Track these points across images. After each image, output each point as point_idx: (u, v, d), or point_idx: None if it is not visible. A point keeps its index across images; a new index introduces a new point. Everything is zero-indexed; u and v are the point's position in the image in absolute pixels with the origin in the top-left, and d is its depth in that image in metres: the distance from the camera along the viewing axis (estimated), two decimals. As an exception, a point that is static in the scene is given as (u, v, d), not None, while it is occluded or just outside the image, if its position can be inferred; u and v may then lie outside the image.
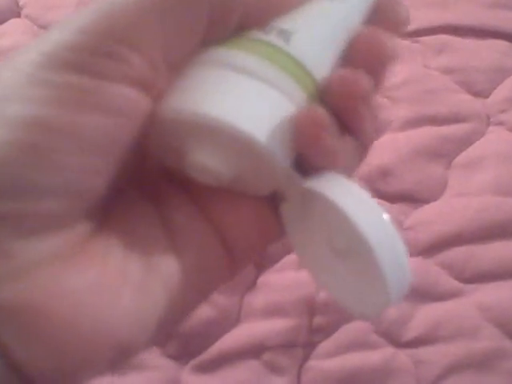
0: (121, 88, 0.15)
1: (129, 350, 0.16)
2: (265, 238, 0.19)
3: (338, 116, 0.17)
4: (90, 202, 0.16)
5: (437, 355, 0.36)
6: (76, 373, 0.16)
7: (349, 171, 0.18)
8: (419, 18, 0.51)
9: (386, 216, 0.16)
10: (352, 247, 0.17)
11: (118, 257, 0.16)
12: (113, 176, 0.16)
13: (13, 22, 0.52)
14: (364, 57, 0.17)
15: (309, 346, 0.36)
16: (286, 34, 0.17)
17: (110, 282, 0.16)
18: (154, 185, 0.19)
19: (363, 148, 0.18)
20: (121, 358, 0.16)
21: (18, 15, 0.53)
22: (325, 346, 0.36)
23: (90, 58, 0.14)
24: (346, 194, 0.16)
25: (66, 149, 0.14)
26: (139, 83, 0.15)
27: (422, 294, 0.37)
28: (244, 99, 0.16)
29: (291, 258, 0.39)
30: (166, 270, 0.17)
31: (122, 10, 0.15)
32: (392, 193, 0.42)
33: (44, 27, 0.52)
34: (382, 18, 0.19)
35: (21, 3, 0.53)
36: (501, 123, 0.45)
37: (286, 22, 0.17)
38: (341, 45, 0.18)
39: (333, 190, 0.16)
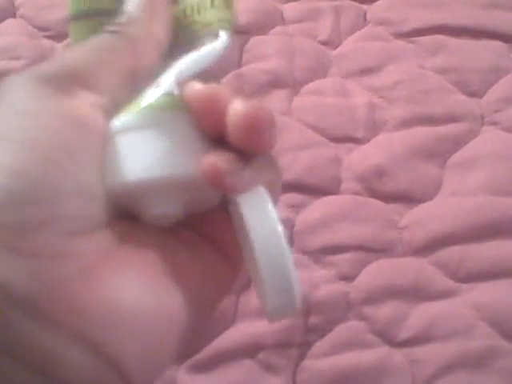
0: (78, 106, 0.18)
1: (188, 336, 0.18)
2: None
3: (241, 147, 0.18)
4: (105, 205, 0.18)
5: (432, 354, 0.36)
6: (157, 361, 0.17)
7: (270, 184, 0.19)
8: (414, 18, 0.51)
9: (281, 237, 0.17)
10: (254, 255, 0.18)
11: (153, 254, 0.18)
12: None
13: (8, 22, 0.52)
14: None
15: (304, 346, 0.36)
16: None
17: (156, 276, 0.18)
18: None
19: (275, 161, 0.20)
20: (183, 343, 0.18)
21: (14, 15, 0.53)
22: (320, 345, 0.36)
23: (51, 86, 0.18)
24: (253, 208, 0.18)
25: (65, 154, 0.17)
26: (94, 107, 0.19)
27: (416, 294, 0.38)
28: (160, 151, 0.18)
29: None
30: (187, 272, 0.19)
31: (83, 63, 0.19)
32: (387, 192, 0.42)
33: (39, 27, 0.52)
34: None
35: (16, 3, 0.53)
36: (495, 123, 0.45)
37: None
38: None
39: (244, 202, 0.18)
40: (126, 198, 0.18)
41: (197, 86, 0.18)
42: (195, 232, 0.20)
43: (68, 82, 0.18)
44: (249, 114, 0.17)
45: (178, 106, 0.19)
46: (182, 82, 0.19)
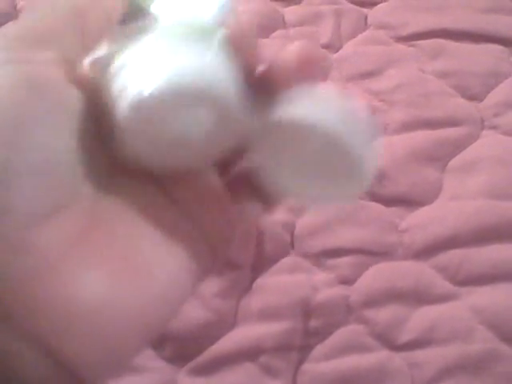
0: (33, 67, 0.17)
1: (152, 330, 0.18)
2: (231, 224, 0.21)
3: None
4: (70, 179, 0.17)
5: (431, 358, 0.36)
6: (117, 360, 0.17)
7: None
8: (415, 22, 0.51)
9: (350, 112, 0.19)
10: (324, 151, 0.19)
11: (123, 241, 0.17)
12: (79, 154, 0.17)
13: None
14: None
15: (304, 349, 0.36)
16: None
17: (123, 267, 0.17)
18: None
19: None
20: (147, 338, 0.17)
21: (16, 18, 0.53)
22: (320, 348, 0.36)
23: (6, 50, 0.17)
24: (311, 104, 0.18)
25: (23, 123, 0.16)
26: (51, 64, 0.18)
27: (416, 297, 0.38)
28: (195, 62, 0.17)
29: (287, 261, 0.39)
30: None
31: (43, 25, 0.19)
32: (387, 196, 0.42)
33: (41, 31, 0.52)
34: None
35: (18, 6, 0.54)
36: (495, 127, 0.45)
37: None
38: None
39: (308, 96, 0.19)
40: (151, 113, 0.17)
41: (240, 23, 0.19)
42: (173, 210, 0.19)
43: (20, 43, 0.18)
44: (305, 47, 0.19)
45: (220, 34, 0.18)
46: (224, 16, 0.19)
